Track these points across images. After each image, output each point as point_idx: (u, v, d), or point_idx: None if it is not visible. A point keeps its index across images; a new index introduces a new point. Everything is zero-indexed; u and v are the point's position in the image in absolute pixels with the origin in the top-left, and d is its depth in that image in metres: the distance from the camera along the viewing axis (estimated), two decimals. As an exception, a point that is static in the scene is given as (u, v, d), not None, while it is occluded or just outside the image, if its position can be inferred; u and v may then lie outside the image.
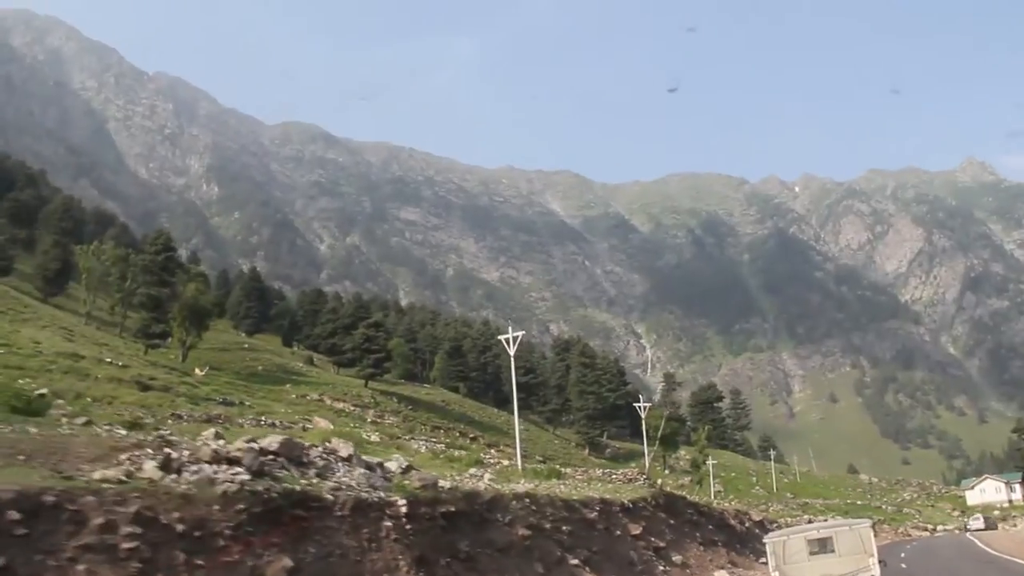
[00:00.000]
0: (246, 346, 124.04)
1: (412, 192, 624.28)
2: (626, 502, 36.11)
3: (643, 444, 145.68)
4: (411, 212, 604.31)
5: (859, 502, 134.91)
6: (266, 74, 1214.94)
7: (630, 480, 56.05)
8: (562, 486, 37.06)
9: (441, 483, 23.49)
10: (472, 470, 36.48)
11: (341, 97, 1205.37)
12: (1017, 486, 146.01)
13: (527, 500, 26.82)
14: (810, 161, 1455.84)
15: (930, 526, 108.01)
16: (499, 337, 54.32)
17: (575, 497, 31.89)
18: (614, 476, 57.88)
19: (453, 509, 21.89)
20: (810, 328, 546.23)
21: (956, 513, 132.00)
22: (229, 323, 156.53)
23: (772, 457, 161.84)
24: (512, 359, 51.24)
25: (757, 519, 66.10)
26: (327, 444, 21.87)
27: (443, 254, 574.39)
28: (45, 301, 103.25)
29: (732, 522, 54.86)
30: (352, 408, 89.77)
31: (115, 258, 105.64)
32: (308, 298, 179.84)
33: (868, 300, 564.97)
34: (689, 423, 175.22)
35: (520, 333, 50.52)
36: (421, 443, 61.39)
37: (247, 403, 54.64)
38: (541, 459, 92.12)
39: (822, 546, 23.16)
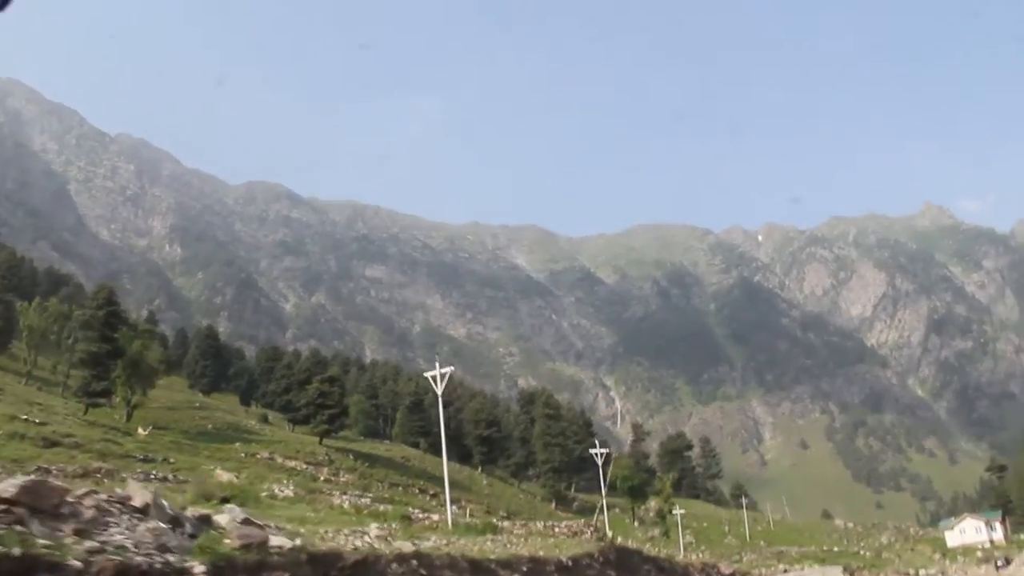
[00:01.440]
0: (197, 405, 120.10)
1: (377, 250, 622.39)
2: (564, 560, 31.06)
3: (614, 496, 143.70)
4: (377, 270, 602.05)
5: (835, 548, 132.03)
6: (230, 134, 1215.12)
7: (575, 534, 49.67)
8: (489, 543, 32.34)
9: (281, 542, 16.56)
10: (374, 527, 29.95)
11: (306, 156, 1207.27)
12: (998, 524, 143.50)
13: (414, 562, 20.52)
14: (772, 210, 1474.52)
15: (911, 571, 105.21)
16: (426, 374, 47.23)
17: (493, 556, 26.40)
18: (557, 529, 51.09)
19: None
20: (779, 375, 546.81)
21: (937, 556, 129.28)
22: (185, 382, 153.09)
23: (744, 505, 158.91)
24: (440, 399, 46.95)
25: (727, 572, 61.60)
26: (115, 492, 15.21)
27: (409, 311, 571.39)
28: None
29: (698, 577, 49.85)
30: (304, 466, 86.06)
31: (57, 314, 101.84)
32: (265, 355, 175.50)
33: (835, 345, 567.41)
34: (658, 474, 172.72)
35: (449, 369, 45.34)
36: (344, 498, 56.63)
37: (171, 460, 51.47)
38: (505, 515, 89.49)
39: None
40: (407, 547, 21.83)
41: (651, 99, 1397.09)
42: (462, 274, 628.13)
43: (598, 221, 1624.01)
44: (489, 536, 36.22)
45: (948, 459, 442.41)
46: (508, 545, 32.62)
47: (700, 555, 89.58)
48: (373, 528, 26.46)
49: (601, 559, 34.93)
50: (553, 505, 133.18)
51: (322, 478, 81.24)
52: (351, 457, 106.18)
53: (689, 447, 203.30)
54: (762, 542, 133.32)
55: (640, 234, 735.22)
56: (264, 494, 42.13)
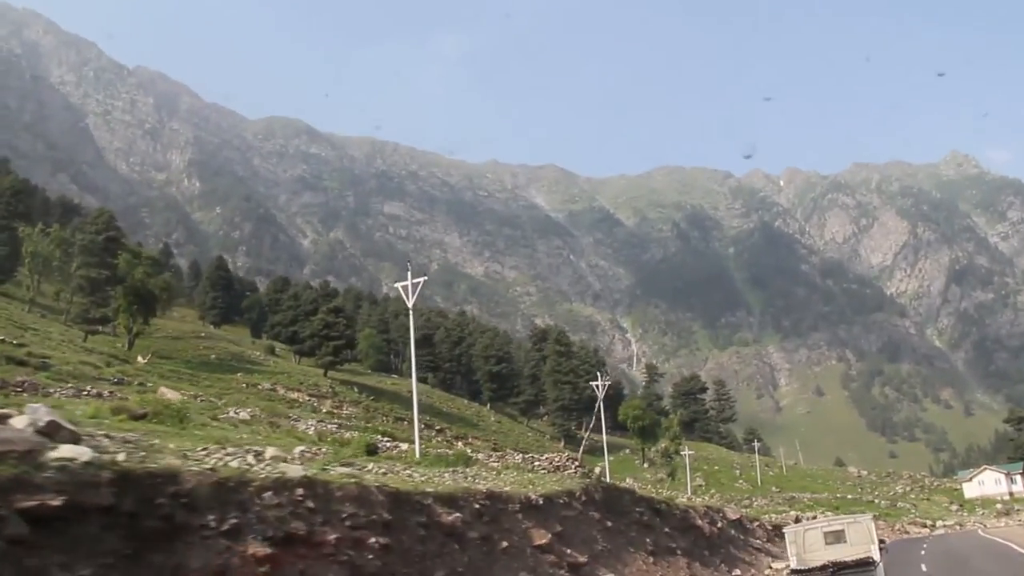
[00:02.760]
0: (203, 335, 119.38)
1: (396, 187, 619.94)
2: (533, 497, 26.30)
3: (626, 436, 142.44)
4: (395, 207, 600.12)
5: (849, 496, 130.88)
6: (249, 69, 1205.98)
7: (557, 468, 43.16)
8: (447, 475, 27.13)
9: (77, 453, 10.84)
10: (291, 450, 23.65)
11: (325, 93, 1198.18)
12: (1018, 477, 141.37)
13: (300, 491, 14.68)
14: (794, 155, 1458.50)
15: (928, 522, 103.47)
16: (396, 284, 43.33)
17: (434, 489, 20.80)
18: (537, 463, 44.87)
19: (60, 502, 9.80)
20: (796, 321, 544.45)
21: (954, 507, 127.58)
22: (196, 314, 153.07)
23: (757, 450, 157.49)
24: (411, 311, 41.35)
25: (733, 518, 56.00)
26: None
27: (427, 249, 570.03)
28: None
29: (700, 523, 45.27)
30: (307, 398, 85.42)
31: (60, 240, 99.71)
32: (274, 286, 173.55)
33: (854, 293, 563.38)
34: (671, 415, 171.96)
35: (421, 279, 39.94)
36: (310, 424, 53.39)
37: (148, 384, 49.30)
38: (514, 451, 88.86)
39: (836, 537, 28.18)
40: (294, 471, 15.62)
41: (676, 44, 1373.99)
42: (480, 212, 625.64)
43: (618, 162, 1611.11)
44: (454, 468, 31.01)
45: (963, 411, 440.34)
46: (475, 479, 27.84)
47: (707, 498, 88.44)
48: (270, 451, 19.25)
49: (583, 498, 30.87)
50: (562, 444, 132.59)
51: (324, 410, 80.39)
52: (355, 390, 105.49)
53: (703, 389, 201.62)
54: (774, 487, 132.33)
55: (660, 176, 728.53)
56: (221, 416, 40.19)
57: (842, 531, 28.55)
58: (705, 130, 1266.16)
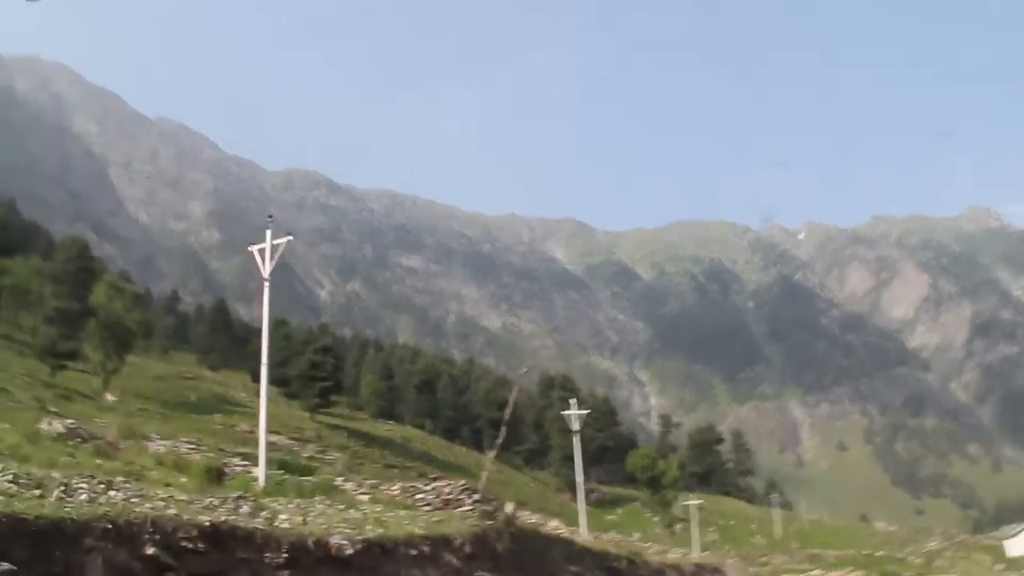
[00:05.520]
0: (190, 376, 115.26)
1: (414, 239, 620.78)
2: (340, 544, 17.42)
3: (636, 488, 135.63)
4: (413, 259, 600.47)
5: (878, 553, 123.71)
6: (269, 121, 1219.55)
7: (448, 503, 30.66)
8: (291, 511, 19.97)
9: None
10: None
11: (344, 145, 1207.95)
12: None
13: None
14: (813, 208, 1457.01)
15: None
16: (251, 248, 34.73)
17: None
18: (421, 494, 31.99)
19: None
20: (817, 375, 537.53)
21: (999, 567, 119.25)
22: (195, 359, 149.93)
23: (776, 502, 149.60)
24: (266, 282, 34.38)
25: None
26: None
27: (444, 301, 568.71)
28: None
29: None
30: (288, 442, 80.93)
31: (30, 272, 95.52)
32: (272, 327, 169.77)
33: (875, 347, 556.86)
34: (687, 467, 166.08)
35: (285, 239, 33.94)
36: (155, 444, 43.58)
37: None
38: (513, 504, 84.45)
39: None
40: None
41: (691, 97, 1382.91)
42: (498, 265, 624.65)
43: (636, 216, 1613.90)
44: (317, 500, 23.56)
45: (992, 466, 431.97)
46: (317, 519, 19.59)
47: (722, 555, 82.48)
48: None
49: (467, 549, 21.27)
50: (568, 496, 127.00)
51: (306, 455, 75.20)
52: (345, 435, 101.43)
53: (719, 440, 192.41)
54: (794, 544, 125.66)
55: (678, 230, 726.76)
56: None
57: None
58: (723, 184, 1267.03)
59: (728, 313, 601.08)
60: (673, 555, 47.08)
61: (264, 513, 18.72)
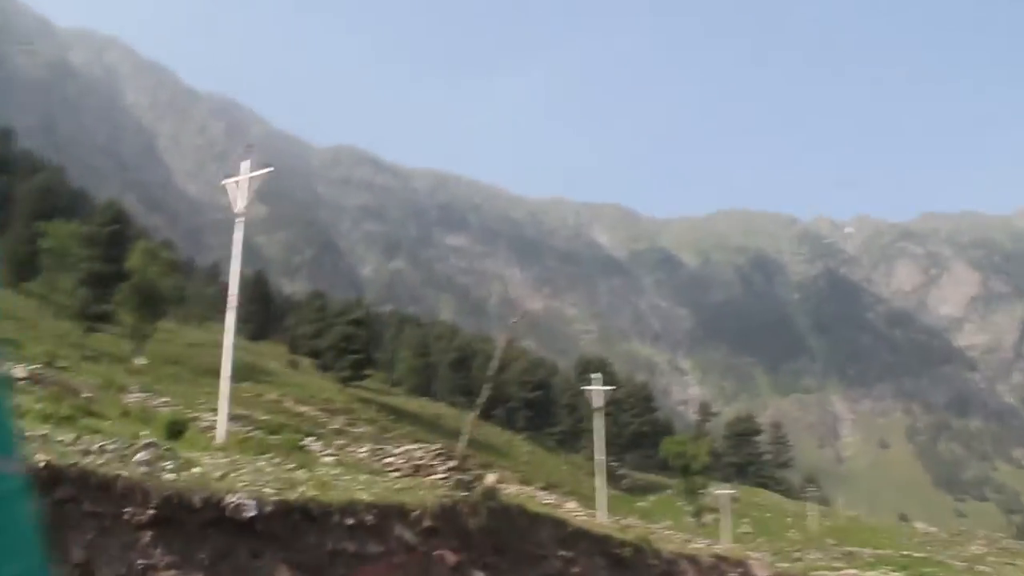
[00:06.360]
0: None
1: (458, 219, 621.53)
2: (311, 508, 15.61)
3: (671, 477, 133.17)
4: (457, 238, 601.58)
5: (917, 554, 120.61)
6: (318, 98, 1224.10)
7: (418, 469, 25.94)
8: (222, 468, 17.00)
9: None
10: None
11: (392, 124, 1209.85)
12: None
13: None
14: (862, 202, 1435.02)
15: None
16: (224, 182, 32.18)
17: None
18: (391, 458, 28.02)
19: None
20: (861, 371, 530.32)
21: None
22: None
23: (811, 496, 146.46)
24: (240, 219, 31.39)
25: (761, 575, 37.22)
26: None
27: (487, 282, 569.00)
28: (15, 287, 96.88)
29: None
30: (315, 412, 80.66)
31: (69, 235, 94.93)
32: (306, 298, 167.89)
33: (921, 344, 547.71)
34: (724, 457, 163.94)
35: (265, 171, 31.28)
36: (133, 396, 41.36)
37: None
38: (543, 486, 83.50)
39: None
40: None
41: (746, 88, 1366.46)
42: (542, 248, 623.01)
43: (681, 203, 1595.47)
44: (238, 457, 20.51)
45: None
46: (267, 474, 17.34)
47: (753, 548, 79.54)
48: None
49: (426, 523, 18.00)
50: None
51: (334, 427, 74.61)
52: (375, 408, 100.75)
53: (758, 431, 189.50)
54: (830, 540, 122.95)
55: (724, 219, 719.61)
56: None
57: None
58: (772, 174, 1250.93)
59: (772, 304, 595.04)
60: (694, 545, 43.20)
61: (168, 464, 15.39)
